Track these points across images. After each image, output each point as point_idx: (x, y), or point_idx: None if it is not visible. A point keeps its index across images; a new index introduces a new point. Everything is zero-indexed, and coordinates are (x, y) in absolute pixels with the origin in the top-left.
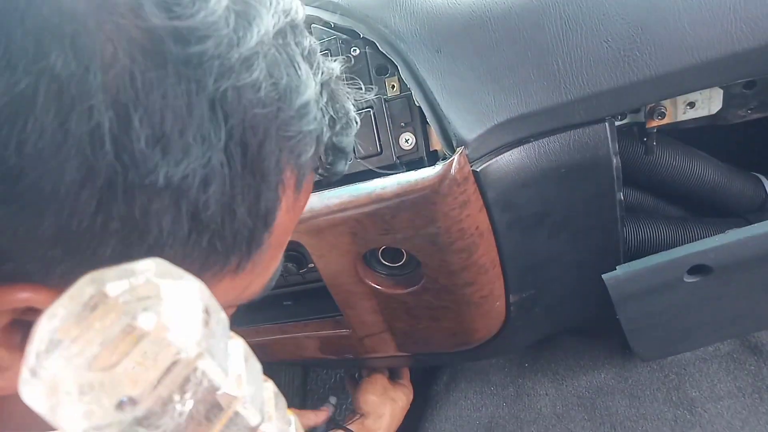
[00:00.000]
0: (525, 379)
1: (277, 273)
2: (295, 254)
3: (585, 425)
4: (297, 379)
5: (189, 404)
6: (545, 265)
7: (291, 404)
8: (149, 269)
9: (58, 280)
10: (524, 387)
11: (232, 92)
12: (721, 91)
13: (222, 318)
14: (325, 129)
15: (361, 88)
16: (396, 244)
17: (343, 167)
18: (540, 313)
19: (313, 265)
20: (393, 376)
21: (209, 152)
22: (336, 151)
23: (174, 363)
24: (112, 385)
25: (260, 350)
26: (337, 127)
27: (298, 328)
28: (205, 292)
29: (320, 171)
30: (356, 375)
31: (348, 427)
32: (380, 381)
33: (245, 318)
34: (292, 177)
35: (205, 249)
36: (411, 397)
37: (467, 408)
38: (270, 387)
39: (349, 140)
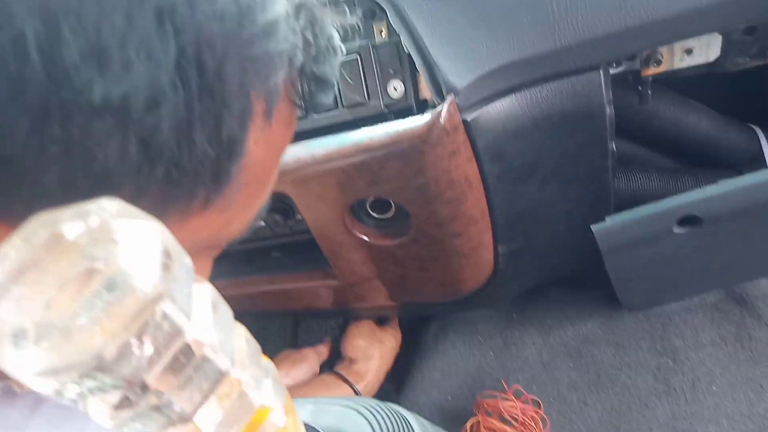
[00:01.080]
0: (513, 330)
1: (261, 213)
2: (282, 205)
3: (570, 373)
4: (287, 330)
5: (148, 349)
6: (535, 215)
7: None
8: (106, 209)
9: (2, 212)
10: (512, 337)
11: (182, 4)
12: (720, 38)
13: (186, 262)
14: (299, 53)
15: (346, 14)
16: (384, 195)
17: (327, 99)
18: (528, 263)
19: (300, 216)
20: (381, 323)
21: (156, 70)
22: (317, 81)
23: (132, 306)
24: (68, 329)
25: (249, 301)
26: (314, 52)
27: (286, 280)
28: (165, 234)
29: (300, 103)
30: (341, 330)
31: (337, 371)
32: (367, 325)
33: (234, 269)
34: (259, 103)
35: (163, 181)
36: (399, 339)
37: (455, 357)
38: (242, 333)
39: (331, 70)
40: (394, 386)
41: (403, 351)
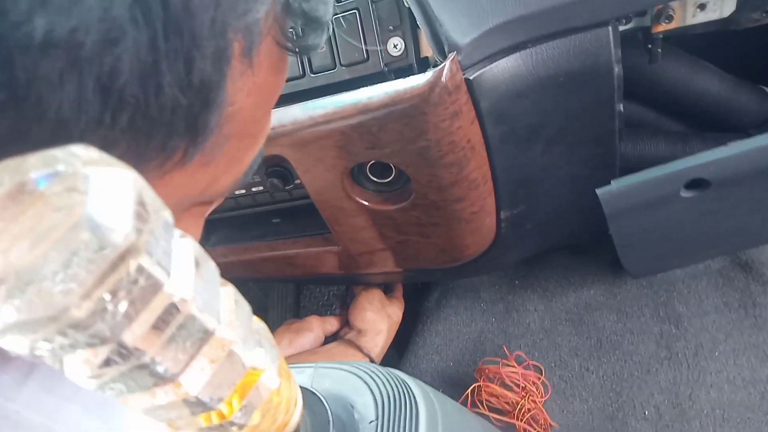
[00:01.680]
0: (515, 296)
1: (252, 168)
2: (281, 170)
3: (572, 339)
4: (290, 297)
5: (123, 305)
6: (538, 180)
7: (284, 322)
8: (76, 156)
9: None
10: (514, 303)
11: None
12: None
13: (164, 215)
14: None
15: None
16: (384, 159)
17: (318, 40)
18: (531, 229)
19: (299, 181)
20: (386, 290)
21: (109, 2)
22: (307, 20)
23: (104, 259)
24: (36, 284)
25: (250, 268)
26: None
27: (286, 246)
28: (140, 184)
29: (289, 46)
30: (347, 293)
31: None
32: (377, 296)
33: (234, 236)
34: (237, 43)
35: (130, 133)
36: (403, 310)
37: (457, 323)
38: (230, 292)
39: (324, 8)
40: (396, 352)
41: (405, 316)
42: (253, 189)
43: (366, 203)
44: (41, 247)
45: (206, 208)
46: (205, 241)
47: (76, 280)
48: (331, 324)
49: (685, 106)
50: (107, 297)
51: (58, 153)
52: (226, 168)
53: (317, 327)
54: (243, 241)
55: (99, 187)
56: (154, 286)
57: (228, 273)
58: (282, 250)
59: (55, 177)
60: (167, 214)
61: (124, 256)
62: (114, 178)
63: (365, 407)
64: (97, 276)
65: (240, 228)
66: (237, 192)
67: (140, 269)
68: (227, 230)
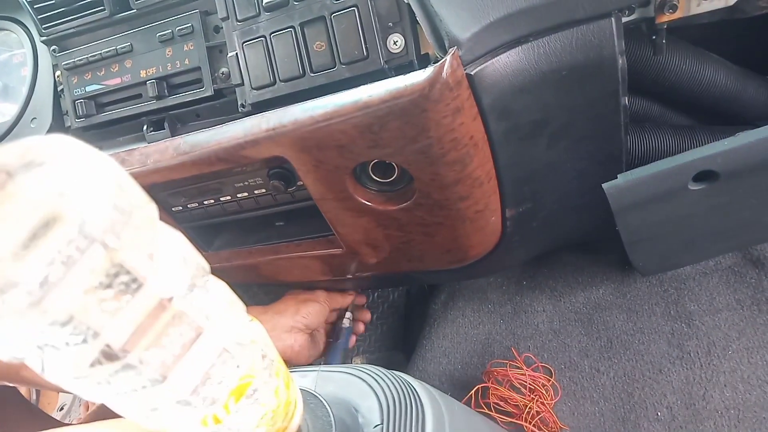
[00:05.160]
0: (523, 297)
1: None
2: (283, 171)
3: (581, 339)
4: None
5: (103, 302)
6: (544, 177)
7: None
8: (54, 147)
9: None
10: (522, 304)
11: None
12: None
13: (147, 211)
14: None
15: None
16: (386, 158)
17: None
18: (538, 227)
19: (301, 183)
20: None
21: None
22: None
23: (81, 253)
24: (14, 283)
25: (254, 272)
26: None
27: (290, 249)
28: (121, 176)
29: None
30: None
31: None
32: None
33: (237, 239)
34: None
35: None
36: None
37: (465, 325)
38: (223, 291)
39: None
40: (404, 355)
41: (413, 320)
42: (256, 191)
43: (369, 203)
44: (17, 243)
45: None
46: (208, 245)
47: (52, 275)
48: (337, 301)
49: (691, 99)
50: (85, 292)
51: (35, 144)
52: None
53: (324, 300)
54: (247, 245)
55: (76, 180)
56: (137, 283)
57: (232, 277)
58: (286, 253)
59: (31, 169)
60: (151, 209)
61: (101, 250)
62: (93, 170)
63: (370, 411)
64: (73, 270)
65: (244, 231)
66: (239, 195)
67: (120, 264)
68: (231, 234)
